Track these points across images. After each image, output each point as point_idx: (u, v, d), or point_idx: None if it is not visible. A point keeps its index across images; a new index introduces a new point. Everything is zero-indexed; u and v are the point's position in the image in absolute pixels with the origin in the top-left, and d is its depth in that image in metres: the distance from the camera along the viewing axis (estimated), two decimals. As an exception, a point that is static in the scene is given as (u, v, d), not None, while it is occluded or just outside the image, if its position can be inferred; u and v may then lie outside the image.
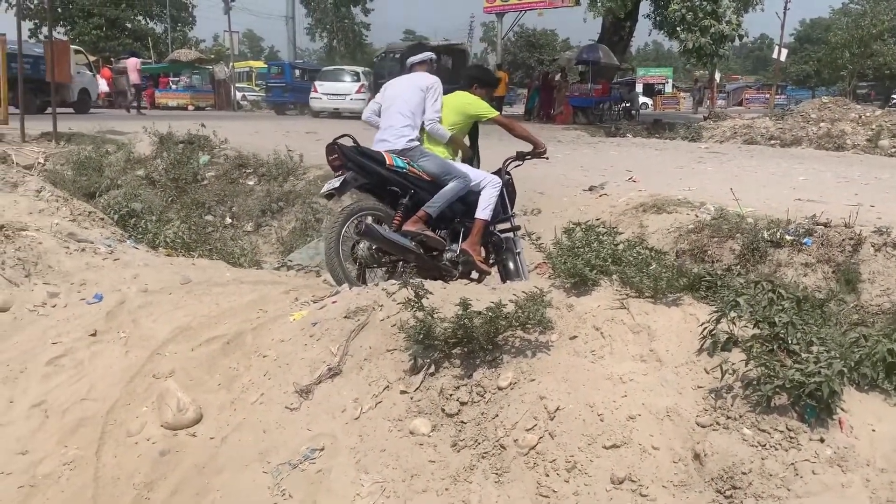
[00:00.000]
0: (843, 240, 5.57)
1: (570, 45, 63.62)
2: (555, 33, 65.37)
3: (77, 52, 25.50)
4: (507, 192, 5.25)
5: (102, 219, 5.88)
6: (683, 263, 3.37)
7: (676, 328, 2.91)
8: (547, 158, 5.49)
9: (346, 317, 3.43)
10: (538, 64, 55.33)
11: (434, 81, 5.21)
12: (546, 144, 5.38)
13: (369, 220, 4.55)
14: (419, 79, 5.17)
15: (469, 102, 5.17)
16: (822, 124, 18.47)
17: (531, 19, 51.61)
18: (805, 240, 5.58)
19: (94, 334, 3.72)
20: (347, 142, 4.75)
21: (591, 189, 8.83)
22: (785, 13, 44.18)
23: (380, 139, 5.03)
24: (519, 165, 5.48)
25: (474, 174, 4.98)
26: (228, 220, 9.13)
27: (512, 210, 5.39)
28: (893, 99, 50.52)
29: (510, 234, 5.27)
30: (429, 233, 4.71)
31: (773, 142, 18.07)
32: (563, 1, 40.76)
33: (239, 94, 34.23)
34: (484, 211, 4.84)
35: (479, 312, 2.84)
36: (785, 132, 18.41)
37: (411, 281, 3.16)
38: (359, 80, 26.21)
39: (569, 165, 11.08)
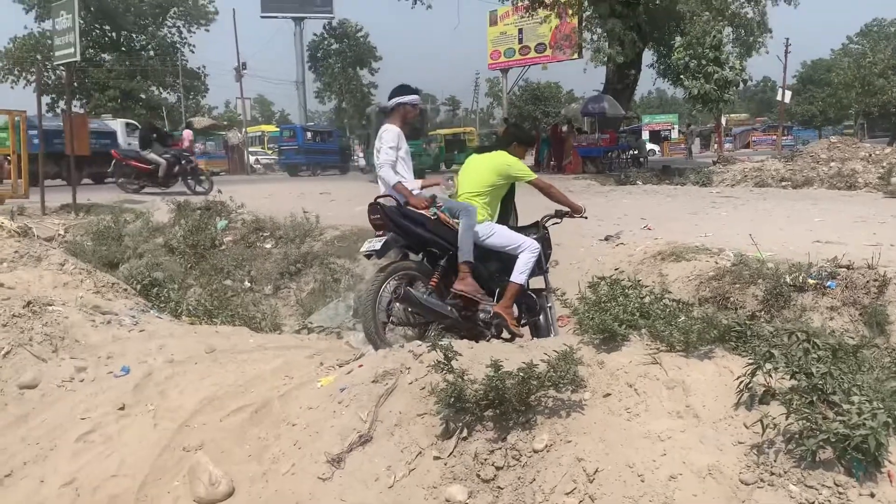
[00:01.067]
0: (868, 281, 5.51)
1: (575, 96, 64.72)
2: (559, 85, 66.54)
3: (129, 124, 27.37)
4: (543, 248, 5.23)
5: (126, 289, 5.93)
6: (714, 314, 3.33)
7: (711, 382, 2.87)
8: (586, 218, 5.54)
9: (374, 381, 3.41)
10: (544, 116, 56.17)
11: (385, 128, 5.27)
12: (582, 206, 5.41)
13: (405, 281, 4.58)
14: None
15: (509, 164, 5.15)
16: (832, 164, 18.48)
17: (535, 73, 52.69)
18: (829, 283, 5.53)
19: (122, 408, 3.71)
20: (389, 202, 4.78)
21: (607, 239, 8.83)
22: (786, 56, 44.81)
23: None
24: (557, 223, 5.51)
25: (515, 238, 4.97)
26: (247, 284, 9.17)
27: (547, 265, 5.40)
28: (900, 135, 50.89)
29: (542, 289, 5.27)
30: (479, 296, 4.75)
31: (784, 183, 18.07)
32: (565, 54, 41.75)
33: (252, 158, 34.81)
34: (521, 276, 4.83)
35: (511, 373, 2.82)
36: (795, 173, 18.42)
37: (440, 343, 3.14)
38: None
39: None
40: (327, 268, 8.81)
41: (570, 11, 26.98)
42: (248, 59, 40.42)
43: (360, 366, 3.72)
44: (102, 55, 50.70)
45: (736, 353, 3.05)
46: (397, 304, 4.50)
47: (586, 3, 24.86)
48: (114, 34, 51.43)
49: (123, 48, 51.41)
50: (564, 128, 26.87)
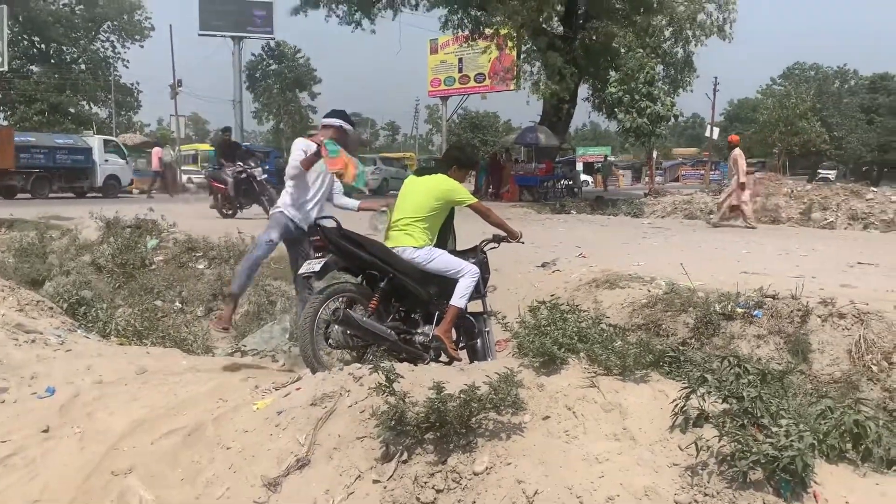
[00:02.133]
0: (792, 311, 5.75)
1: (512, 125, 65.76)
2: (496, 115, 67.58)
3: (108, 141, 28.53)
4: (482, 272, 5.23)
5: (51, 308, 5.69)
6: (649, 340, 3.42)
7: (647, 405, 2.94)
8: (522, 243, 5.55)
9: (312, 404, 3.36)
10: (482, 144, 56.96)
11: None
12: (519, 231, 5.47)
13: (344, 304, 4.54)
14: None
15: (450, 188, 5.08)
16: (757, 199, 19.25)
17: (474, 102, 53.50)
18: (755, 312, 5.75)
19: (46, 430, 3.55)
20: (330, 223, 4.78)
21: (543, 265, 8.97)
22: (715, 93, 46.82)
23: None
24: (495, 248, 5.53)
25: (455, 263, 5.00)
26: (178, 305, 8.93)
27: (485, 289, 5.42)
28: (820, 173, 53.46)
29: (480, 313, 5.30)
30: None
31: (711, 216, 18.72)
32: (504, 85, 42.50)
33: (185, 177, 34.03)
34: (460, 300, 4.84)
35: (453, 395, 2.82)
36: (722, 206, 19.12)
37: (381, 365, 3.13)
38: None
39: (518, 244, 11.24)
40: (262, 290, 8.66)
41: (510, 44, 27.57)
42: (185, 76, 39.78)
43: (298, 388, 3.67)
44: (30, 67, 49.02)
45: (670, 377, 3.14)
46: (336, 326, 4.45)
47: (526, 37, 25.40)
48: (43, 46, 49.85)
49: (53, 60, 49.85)
50: (503, 156, 27.31)
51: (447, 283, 4.91)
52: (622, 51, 24.02)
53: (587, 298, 7.03)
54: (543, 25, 24.70)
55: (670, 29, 25.47)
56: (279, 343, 7.34)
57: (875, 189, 19.15)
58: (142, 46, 52.46)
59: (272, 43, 48.37)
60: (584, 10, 25.20)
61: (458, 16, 28.33)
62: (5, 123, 36.80)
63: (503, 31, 25.83)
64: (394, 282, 4.74)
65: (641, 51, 23.48)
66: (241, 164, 14.95)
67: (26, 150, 21.22)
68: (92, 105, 51.53)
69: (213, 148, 27.33)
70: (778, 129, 41.91)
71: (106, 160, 26.03)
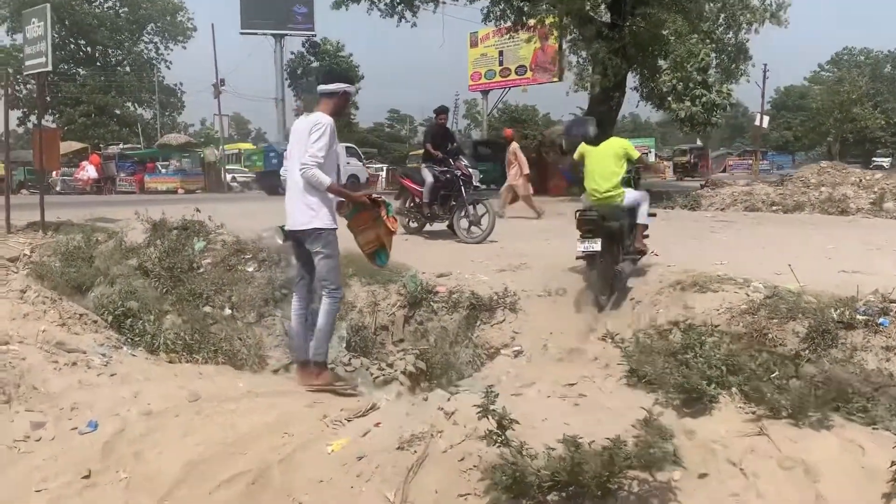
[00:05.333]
0: (925, 318, 5.01)
1: (551, 119, 64.61)
2: (535, 108, 66.44)
3: (348, 147, 32.18)
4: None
5: (95, 321, 5.25)
6: (827, 370, 2.78)
7: (840, 462, 2.30)
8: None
9: (399, 448, 2.80)
10: (522, 138, 56.12)
11: (314, 119, 4.94)
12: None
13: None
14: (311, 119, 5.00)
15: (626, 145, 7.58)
16: (822, 189, 18.27)
17: (514, 95, 52.57)
18: (881, 320, 5.01)
19: (87, 476, 3.06)
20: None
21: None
22: (764, 81, 45.28)
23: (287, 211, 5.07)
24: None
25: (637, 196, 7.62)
26: (228, 311, 8.47)
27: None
28: (874, 161, 51.47)
29: None
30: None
31: (774, 208, 17.82)
32: (549, 76, 41.65)
33: (229, 176, 34.01)
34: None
35: (596, 451, 2.23)
36: (786, 198, 18.17)
37: (490, 405, 2.53)
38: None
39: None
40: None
41: (555, 34, 26.75)
42: (227, 76, 39.70)
43: (377, 424, 3.12)
44: (76, 70, 49.70)
45: (854, 420, 2.50)
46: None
47: (569, 27, 24.56)
48: (88, 49, 50.52)
49: (98, 63, 50.46)
50: (550, 149, 26.54)
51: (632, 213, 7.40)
52: (672, 38, 23.05)
53: (675, 303, 6.35)
54: (591, 14, 23.85)
55: (722, 15, 24.35)
56: (337, 354, 6.84)
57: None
58: (184, 47, 52.87)
59: (315, 39, 48.15)
60: (632, -3, 24.23)
61: (501, 6, 27.63)
62: (52, 125, 37.26)
63: (549, 21, 25.07)
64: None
65: (696, 36, 22.48)
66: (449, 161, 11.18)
67: None
68: (136, 106, 52.08)
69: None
70: (832, 115, 40.28)
71: (347, 162, 29.51)
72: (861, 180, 18.34)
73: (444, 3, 26.26)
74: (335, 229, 5.00)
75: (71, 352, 4.33)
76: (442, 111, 12.32)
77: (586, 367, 6.25)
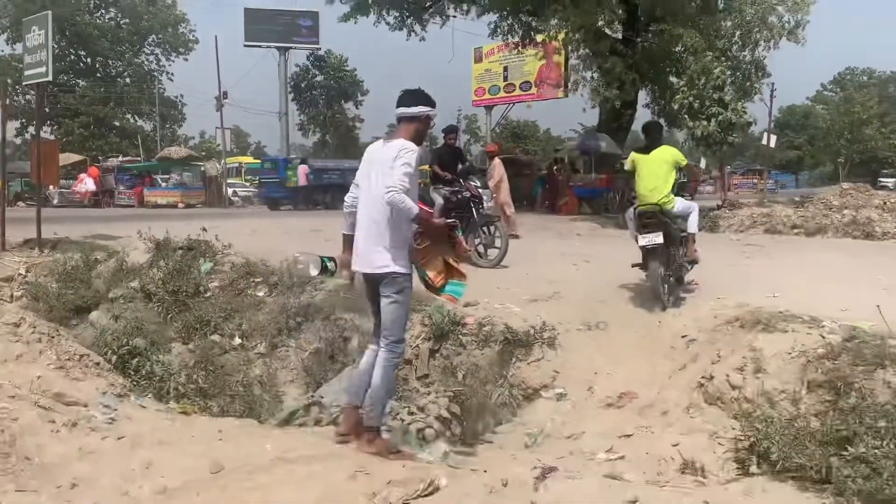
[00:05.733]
0: None
1: (551, 134, 64.18)
2: (536, 124, 65.99)
3: None
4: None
5: (97, 363, 4.63)
6: None
7: None
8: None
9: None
10: (524, 154, 55.72)
11: (398, 145, 4.47)
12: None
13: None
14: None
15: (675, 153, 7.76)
16: (845, 211, 17.76)
17: (518, 111, 52.25)
18: None
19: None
20: None
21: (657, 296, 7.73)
22: (772, 100, 44.88)
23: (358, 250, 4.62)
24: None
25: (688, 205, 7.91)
26: (238, 341, 7.86)
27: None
28: (880, 181, 51.13)
29: None
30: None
31: (796, 231, 17.32)
32: (554, 93, 41.29)
33: (230, 191, 33.47)
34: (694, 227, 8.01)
35: None
36: (808, 220, 17.65)
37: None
38: None
39: (610, 262, 9.88)
40: (334, 324, 7.55)
41: (562, 50, 26.37)
42: (229, 88, 39.13)
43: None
44: (77, 81, 49.29)
45: None
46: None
47: (581, 42, 24.11)
48: (88, 60, 50.14)
49: (98, 74, 50.04)
50: (559, 166, 26.01)
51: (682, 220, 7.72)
52: (686, 55, 22.61)
53: (738, 345, 5.75)
54: (605, 29, 23.45)
55: (738, 32, 23.92)
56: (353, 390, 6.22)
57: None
58: (186, 59, 52.45)
59: (318, 53, 47.75)
60: (647, 13, 23.81)
61: (509, 21, 27.26)
62: (51, 137, 36.74)
63: (561, 37, 24.67)
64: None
65: (710, 53, 22.01)
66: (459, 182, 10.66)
67: (326, 172, 29.58)
68: (136, 118, 51.62)
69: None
70: (843, 136, 39.94)
71: None
72: (885, 203, 17.84)
73: (453, 17, 25.84)
74: (411, 275, 4.59)
75: (70, 405, 3.72)
76: (450, 130, 11.98)
77: (643, 414, 5.66)
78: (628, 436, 5.14)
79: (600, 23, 22.65)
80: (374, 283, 4.56)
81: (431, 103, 4.72)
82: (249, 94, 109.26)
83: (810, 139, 49.05)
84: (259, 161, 38.49)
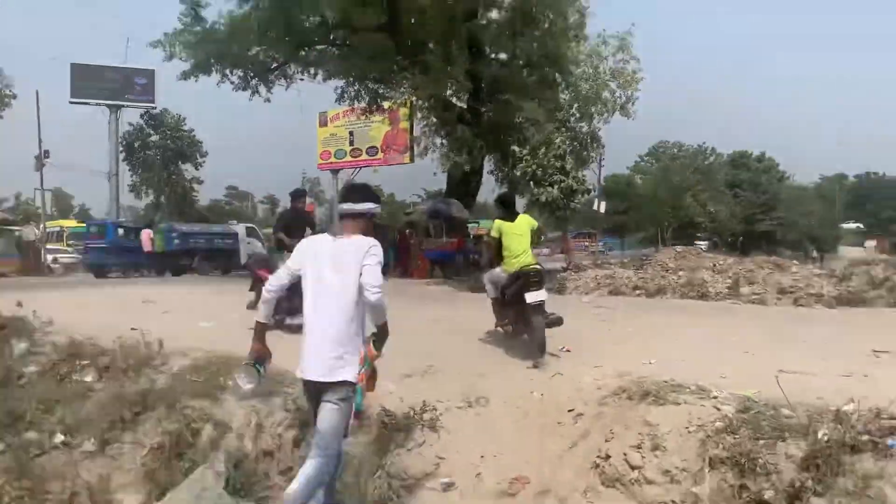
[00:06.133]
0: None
1: (396, 199, 64.88)
2: (380, 189, 66.43)
3: (249, 228, 34.65)
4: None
5: None
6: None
7: None
8: None
9: None
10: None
11: (366, 242, 4.42)
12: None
13: None
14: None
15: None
16: (681, 273, 18.69)
17: (365, 174, 52.29)
18: (890, 441, 4.38)
19: None
20: None
21: (535, 365, 7.44)
22: (600, 168, 48.04)
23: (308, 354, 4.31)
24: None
25: None
26: (60, 438, 6.63)
27: None
28: (696, 244, 55.95)
29: None
30: None
31: (637, 292, 17.96)
32: (399, 158, 41.72)
33: (49, 257, 30.37)
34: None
35: None
36: (647, 281, 18.36)
37: None
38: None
39: (475, 331, 9.52)
40: (181, 414, 6.55)
41: (409, 118, 26.64)
42: (51, 147, 35.70)
43: None
44: None
45: None
46: None
47: (430, 110, 24.46)
48: None
49: None
50: (408, 231, 25.94)
51: None
52: (528, 125, 23.51)
53: (630, 418, 5.47)
54: (452, 99, 23.90)
55: (575, 105, 25.28)
56: (216, 500, 5.29)
57: (797, 263, 19.15)
58: (0, 117, 47.94)
59: (153, 111, 45.20)
60: (490, 85, 24.61)
61: (356, 87, 27.21)
62: None
63: (408, 105, 24.88)
64: None
65: (551, 125, 23.02)
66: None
67: (192, 236, 28.52)
68: (-62, 180, 46.27)
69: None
70: (667, 203, 43.40)
71: (248, 242, 30.64)
72: (715, 265, 19.00)
73: (300, 79, 25.36)
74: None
75: None
76: (299, 195, 11.28)
77: (538, 502, 5.21)
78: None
79: (448, 92, 23.06)
80: (321, 390, 4.25)
81: (377, 199, 4.63)
82: (75, 154, 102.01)
83: (633, 205, 52.91)
84: (84, 224, 35.41)
